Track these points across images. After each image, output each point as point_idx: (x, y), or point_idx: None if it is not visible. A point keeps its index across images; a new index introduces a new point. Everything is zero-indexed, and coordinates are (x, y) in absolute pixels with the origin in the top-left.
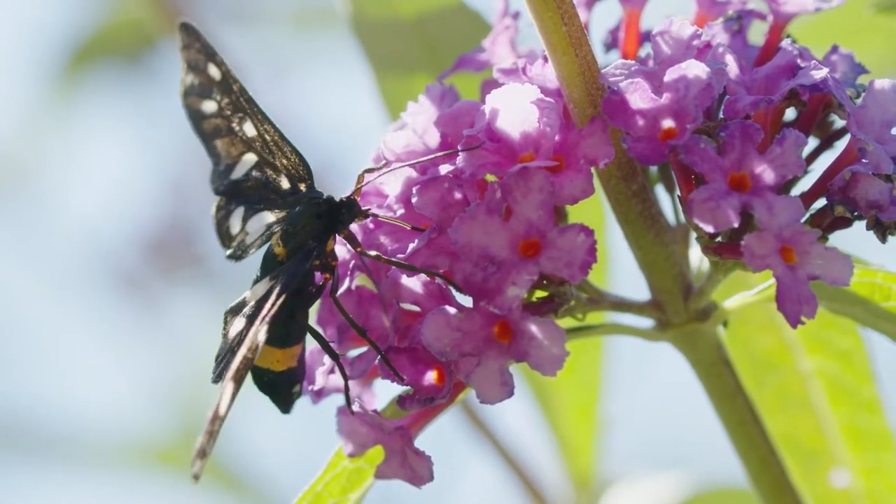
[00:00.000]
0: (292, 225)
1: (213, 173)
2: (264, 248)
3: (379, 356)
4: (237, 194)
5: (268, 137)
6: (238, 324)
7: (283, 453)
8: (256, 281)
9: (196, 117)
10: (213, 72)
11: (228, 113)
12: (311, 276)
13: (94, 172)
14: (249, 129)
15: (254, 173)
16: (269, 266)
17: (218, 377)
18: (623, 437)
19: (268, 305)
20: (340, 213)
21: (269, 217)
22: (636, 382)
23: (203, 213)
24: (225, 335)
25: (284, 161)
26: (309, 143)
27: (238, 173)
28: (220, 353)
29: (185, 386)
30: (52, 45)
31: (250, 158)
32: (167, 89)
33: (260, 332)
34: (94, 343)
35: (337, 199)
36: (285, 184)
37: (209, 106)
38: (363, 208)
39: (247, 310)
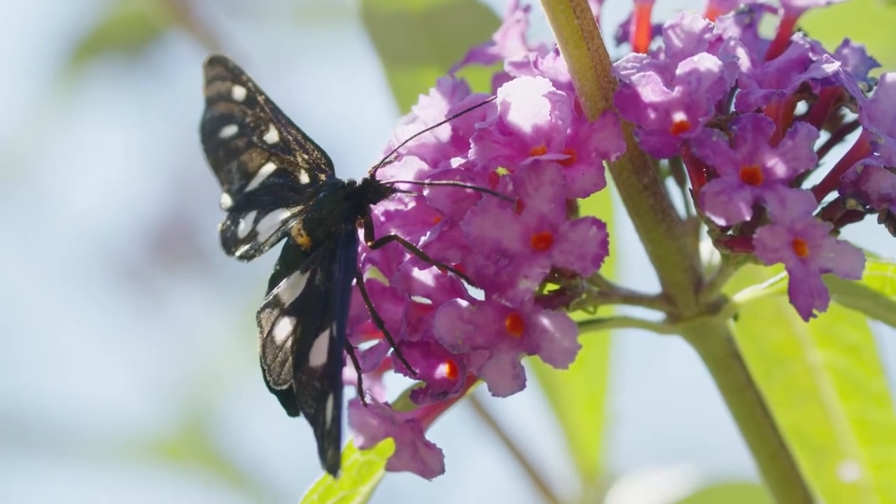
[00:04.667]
0: (318, 211)
1: (227, 193)
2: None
3: (392, 349)
4: (248, 204)
5: (290, 139)
6: (285, 324)
7: (287, 448)
8: (276, 276)
9: (215, 148)
10: (238, 93)
11: (251, 127)
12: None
13: (97, 167)
14: (272, 137)
15: (271, 180)
16: (292, 258)
17: (275, 386)
18: (631, 431)
19: (336, 330)
20: (367, 192)
21: (284, 213)
22: (644, 376)
23: (205, 208)
24: (270, 336)
25: (305, 156)
26: (314, 136)
27: (253, 185)
28: (265, 354)
29: (188, 380)
30: (55, 39)
31: (268, 169)
32: (170, 83)
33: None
34: (97, 338)
35: (359, 180)
36: (304, 178)
37: (228, 131)
38: (387, 184)
39: (289, 306)
